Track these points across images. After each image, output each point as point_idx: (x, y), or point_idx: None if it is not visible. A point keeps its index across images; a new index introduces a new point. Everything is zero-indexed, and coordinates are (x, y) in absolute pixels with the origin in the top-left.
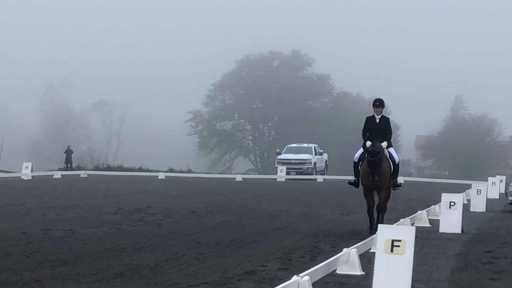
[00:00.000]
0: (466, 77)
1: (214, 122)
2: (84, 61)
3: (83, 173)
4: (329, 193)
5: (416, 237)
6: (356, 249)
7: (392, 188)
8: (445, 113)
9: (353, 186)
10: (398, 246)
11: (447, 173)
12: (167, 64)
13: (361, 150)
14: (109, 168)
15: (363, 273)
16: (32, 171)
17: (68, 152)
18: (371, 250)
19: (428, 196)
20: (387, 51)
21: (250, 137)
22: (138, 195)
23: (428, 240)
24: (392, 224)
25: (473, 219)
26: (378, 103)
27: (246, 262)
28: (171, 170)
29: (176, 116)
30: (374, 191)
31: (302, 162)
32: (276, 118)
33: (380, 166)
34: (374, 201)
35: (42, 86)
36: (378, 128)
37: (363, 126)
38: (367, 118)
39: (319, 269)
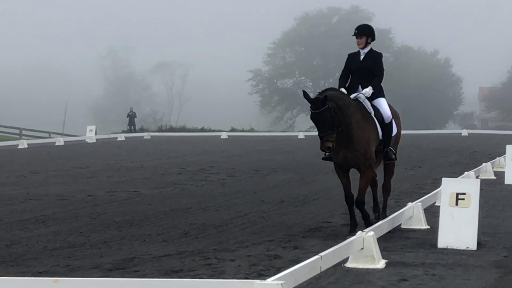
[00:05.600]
0: None
1: (275, 80)
2: (144, 23)
3: (146, 135)
4: None
5: (481, 189)
6: (420, 203)
7: (384, 163)
8: (509, 64)
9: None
10: (463, 199)
11: None
12: (227, 24)
13: None
14: (172, 129)
15: (428, 227)
16: (96, 134)
17: (131, 115)
18: (436, 204)
19: (493, 148)
20: (447, 1)
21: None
22: (201, 155)
23: (493, 192)
24: (457, 177)
25: None
26: (358, 31)
27: (310, 219)
28: (233, 130)
29: (236, 75)
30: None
31: None
32: (336, 74)
33: (328, 121)
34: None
35: (103, 49)
36: (361, 69)
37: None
38: (349, 55)
39: (383, 224)
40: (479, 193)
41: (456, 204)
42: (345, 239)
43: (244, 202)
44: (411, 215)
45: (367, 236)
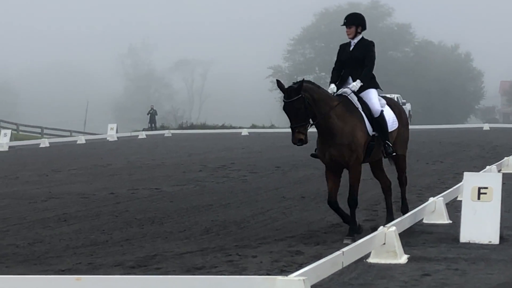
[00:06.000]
0: None
1: (295, 77)
2: (163, 21)
3: (167, 133)
4: (413, 143)
5: (503, 183)
6: (442, 198)
7: (384, 157)
8: None
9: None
10: (485, 193)
11: None
12: (246, 20)
13: None
14: (192, 127)
15: (450, 221)
16: (117, 132)
17: (152, 113)
18: (458, 199)
19: None
20: None
21: None
22: (222, 152)
23: None
24: (479, 171)
25: None
26: (347, 20)
27: (331, 215)
28: (254, 126)
29: (257, 72)
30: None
31: None
32: None
33: (301, 113)
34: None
35: (123, 48)
36: (351, 59)
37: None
38: (340, 46)
39: (405, 219)
40: (501, 187)
41: (478, 198)
42: (367, 234)
43: (265, 199)
44: (433, 209)
45: (389, 231)
